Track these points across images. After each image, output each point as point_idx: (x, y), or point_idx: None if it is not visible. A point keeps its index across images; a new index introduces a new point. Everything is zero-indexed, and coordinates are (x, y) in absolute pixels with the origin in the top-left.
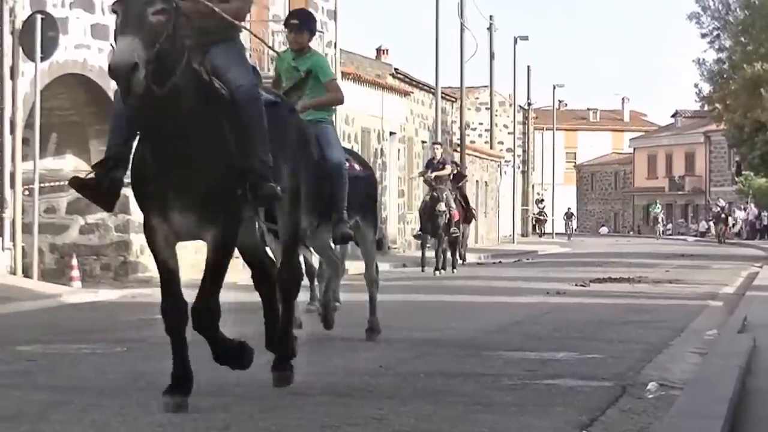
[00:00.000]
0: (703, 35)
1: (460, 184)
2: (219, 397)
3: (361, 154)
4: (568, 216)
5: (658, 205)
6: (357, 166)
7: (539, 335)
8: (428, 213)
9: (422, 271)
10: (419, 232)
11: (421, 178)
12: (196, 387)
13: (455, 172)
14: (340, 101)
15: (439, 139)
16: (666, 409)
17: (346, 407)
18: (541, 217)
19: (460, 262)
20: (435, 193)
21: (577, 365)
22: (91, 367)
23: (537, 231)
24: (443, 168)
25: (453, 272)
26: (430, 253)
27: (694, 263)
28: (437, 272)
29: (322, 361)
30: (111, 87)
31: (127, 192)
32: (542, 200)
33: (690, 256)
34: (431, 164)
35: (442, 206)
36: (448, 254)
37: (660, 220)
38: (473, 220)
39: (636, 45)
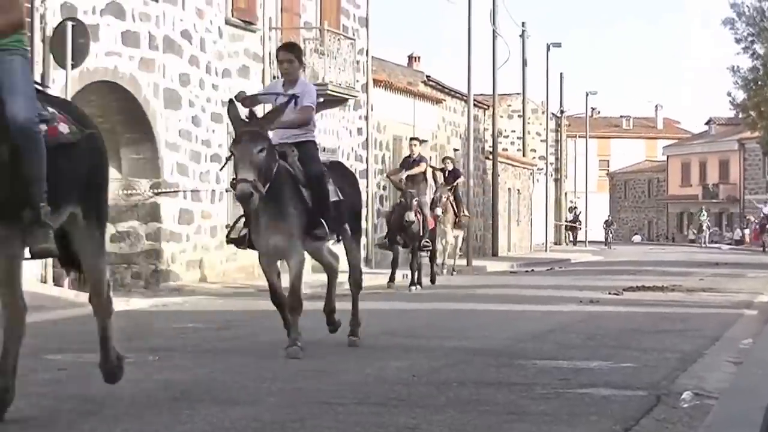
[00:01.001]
0: (738, 40)
1: (455, 184)
2: (252, 406)
3: (392, 161)
4: (608, 224)
5: (704, 212)
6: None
7: (572, 344)
8: (396, 222)
9: (387, 286)
10: (385, 240)
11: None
12: (228, 396)
13: (450, 169)
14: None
15: (471, 147)
16: (701, 418)
17: (378, 416)
18: (576, 225)
19: (443, 273)
20: (403, 199)
21: (611, 374)
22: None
23: (570, 239)
24: (417, 166)
25: (430, 284)
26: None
27: (729, 272)
28: (413, 288)
29: (354, 370)
30: (141, 94)
31: (159, 200)
32: (575, 207)
33: (724, 265)
34: (406, 163)
35: (411, 215)
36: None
37: (706, 228)
38: (465, 226)
39: (669, 52)
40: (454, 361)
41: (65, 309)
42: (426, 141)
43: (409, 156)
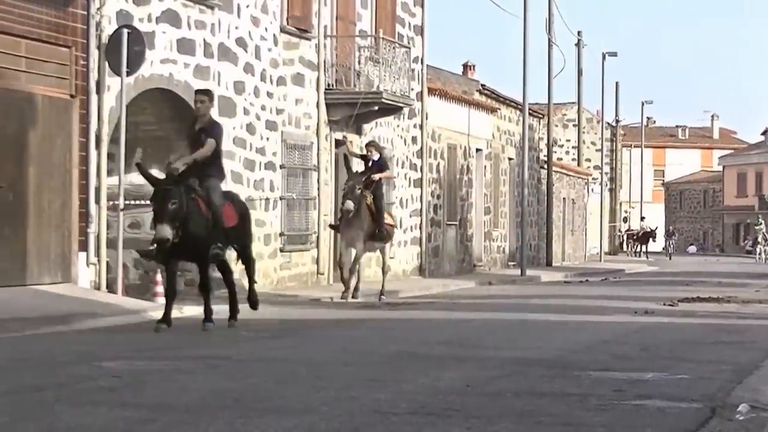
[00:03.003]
0: None
1: (375, 179)
2: (305, 415)
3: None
4: (669, 234)
5: (761, 222)
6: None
7: (627, 355)
8: (344, 217)
9: (342, 297)
10: (334, 224)
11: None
12: (282, 404)
13: (375, 159)
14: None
15: (526, 156)
16: (757, 431)
17: (432, 426)
18: (650, 230)
19: (355, 297)
20: (346, 190)
21: (666, 386)
22: (176, 384)
23: (637, 250)
24: (376, 170)
25: (379, 301)
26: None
27: None
28: (347, 296)
29: (408, 379)
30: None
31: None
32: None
33: None
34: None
35: (350, 204)
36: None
37: (762, 239)
38: (388, 237)
39: (726, 61)
40: (509, 372)
41: (118, 316)
42: (384, 147)
43: (366, 160)
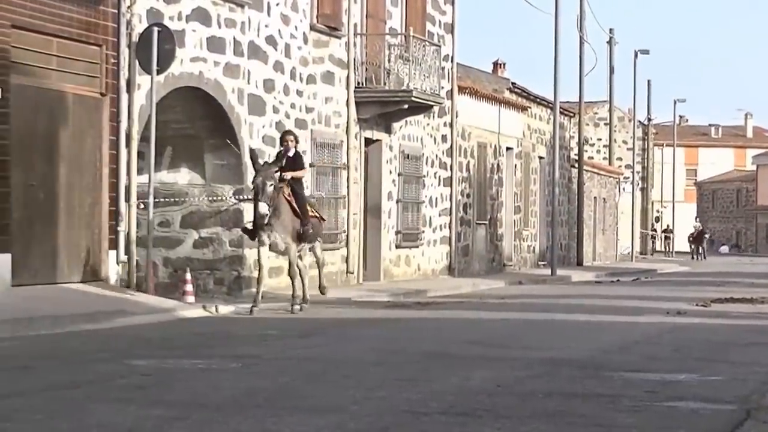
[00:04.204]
0: None
1: (288, 177)
2: (335, 413)
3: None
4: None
5: None
6: None
7: (659, 356)
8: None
9: (252, 310)
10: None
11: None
12: (312, 403)
13: (291, 154)
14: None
15: (557, 155)
16: None
17: (463, 426)
18: (702, 228)
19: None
20: (256, 188)
21: (699, 387)
22: (206, 382)
23: (664, 249)
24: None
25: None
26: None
27: None
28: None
29: (439, 379)
30: (225, 100)
31: (242, 207)
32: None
33: None
34: (280, 159)
35: (263, 208)
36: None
37: None
38: (315, 237)
39: (759, 59)
40: (539, 372)
41: (148, 314)
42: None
43: (282, 151)
